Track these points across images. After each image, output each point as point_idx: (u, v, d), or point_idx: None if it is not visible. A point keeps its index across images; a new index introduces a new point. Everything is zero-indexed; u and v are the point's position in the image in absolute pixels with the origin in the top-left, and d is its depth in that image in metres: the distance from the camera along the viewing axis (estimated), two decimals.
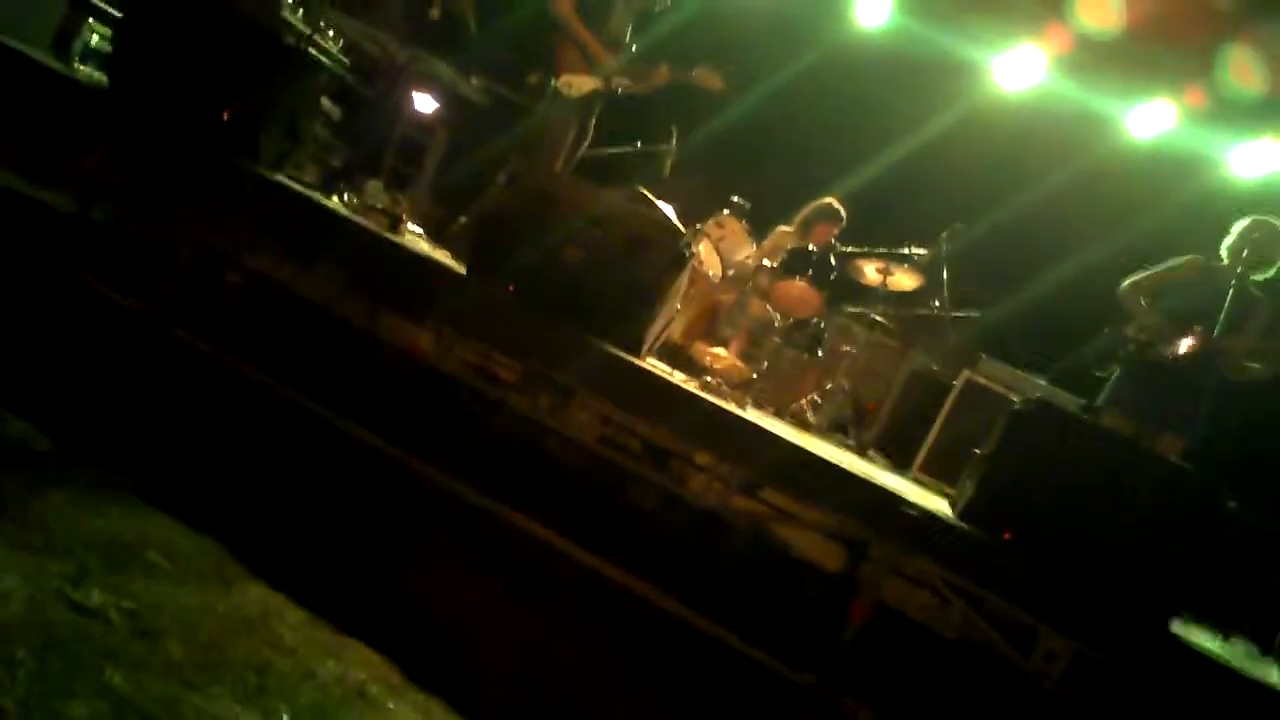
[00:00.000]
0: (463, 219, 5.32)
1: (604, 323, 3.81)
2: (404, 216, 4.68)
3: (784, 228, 5.98)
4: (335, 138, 5.82)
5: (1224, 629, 4.29)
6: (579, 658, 3.07)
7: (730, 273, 5.57)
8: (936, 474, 5.02)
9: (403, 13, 6.15)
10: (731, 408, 3.83)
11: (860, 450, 5.19)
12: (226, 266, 4.08)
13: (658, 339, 4.34)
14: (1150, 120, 6.55)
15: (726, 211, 5.61)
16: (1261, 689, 3.22)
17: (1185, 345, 4.35)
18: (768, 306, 5.52)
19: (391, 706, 2.36)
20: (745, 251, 5.63)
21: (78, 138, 4.20)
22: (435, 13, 6.33)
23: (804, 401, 5.38)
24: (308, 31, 5.57)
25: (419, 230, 4.97)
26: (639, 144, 5.68)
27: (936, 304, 5.70)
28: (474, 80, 6.28)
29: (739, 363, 5.12)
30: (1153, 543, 3.33)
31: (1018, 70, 6.74)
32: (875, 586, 3.41)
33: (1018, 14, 6.60)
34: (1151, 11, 5.98)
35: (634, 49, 5.41)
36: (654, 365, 4.15)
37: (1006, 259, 6.94)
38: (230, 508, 2.94)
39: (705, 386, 4.21)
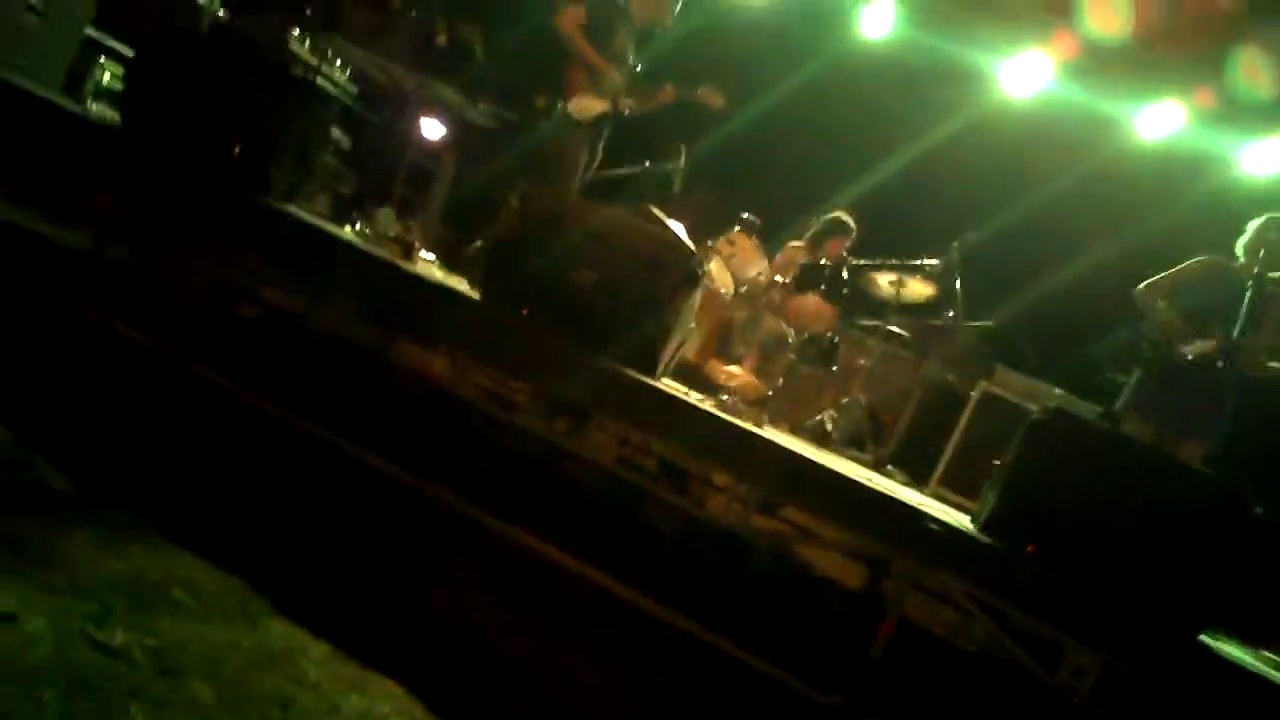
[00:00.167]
0: (478, 243, 5.34)
1: (618, 344, 3.81)
2: (416, 244, 4.70)
3: (795, 243, 5.98)
4: (345, 166, 5.86)
5: (1254, 641, 4.23)
6: (603, 683, 3.05)
7: (743, 290, 5.57)
8: (955, 487, 4.99)
9: (409, 40, 6.20)
10: (748, 426, 3.82)
11: (878, 465, 5.16)
12: (240, 300, 4.11)
13: (672, 358, 4.33)
14: (1159, 121, 6.53)
15: (737, 228, 5.61)
16: None
17: (1204, 345, 4.33)
18: (781, 322, 5.51)
19: None
20: (757, 268, 5.63)
21: (91, 176, 4.25)
22: (441, 39, 6.39)
23: (820, 417, 5.36)
24: (315, 62, 5.62)
25: (431, 257, 4.99)
26: (648, 163, 5.69)
27: (950, 314, 5.68)
28: (481, 105, 6.32)
29: (754, 380, 5.11)
30: (1178, 551, 3.29)
31: (1024, 76, 6.74)
32: (898, 603, 3.39)
33: (1022, 21, 6.60)
34: (1158, 15, 5.97)
35: (638, 68, 5.43)
36: (669, 385, 4.14)
37: (1018, 264, 6.91)
38: (252, 543, 2.94)
39: (721, 405, 4.20)
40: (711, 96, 5.26)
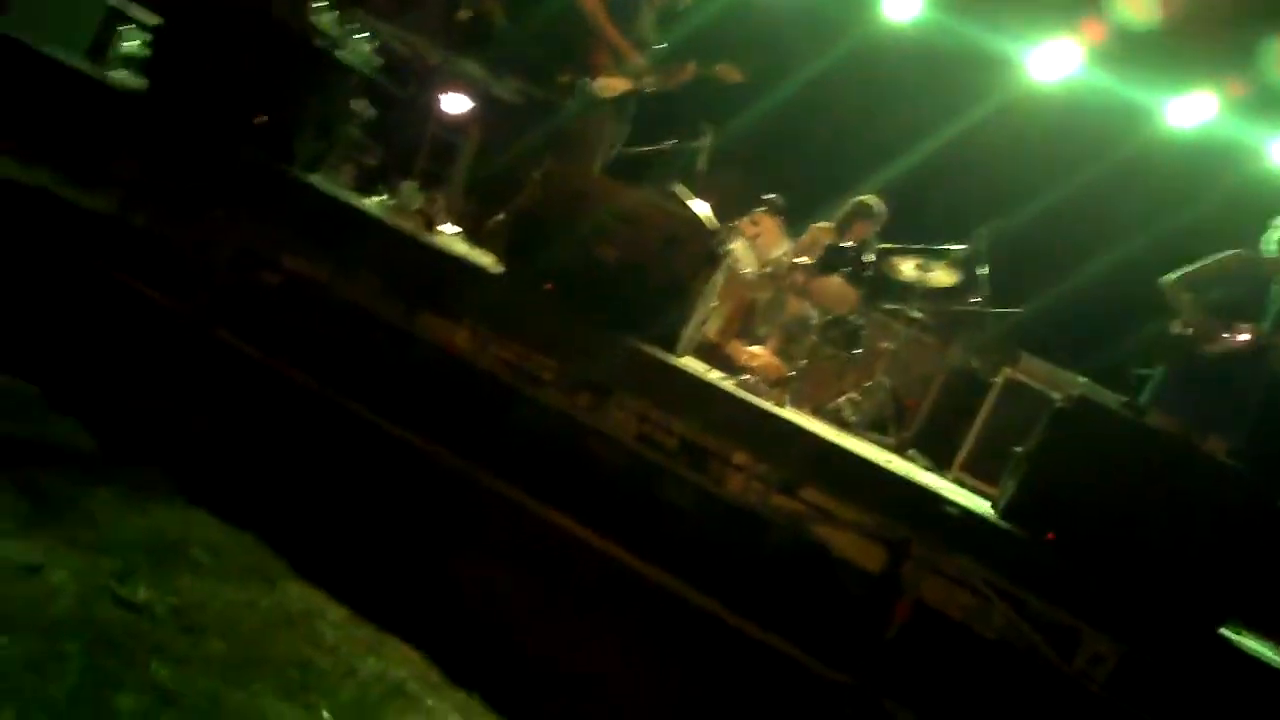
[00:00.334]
0: (500, 216, 5.33)
1: (640, 321, 3.81)
2: (439, 217, 4.69)
3: (822, 224, 5.94)
4: (369, 138, 5.85)
5: (1275, 635, 4.19)
6: (618, 656, 3.06)
7: (766, 270, 5.54)
8: (977, 473, 4.96)
9: (434, 15, 6.17)
10: (769, 406, 3.81)
11: (900, 449, 5.13)
12: (264, 267, 4.11)
13: (694, 337, 4.32)
14: (1190, 111, 6.43)
15: (761, 208, 5.57)
16: None
17: (1231, 340, 4.28)
18: (805, 304, 5.47)
19: (431, 704, 2.36)
20: (781, 248, 5.59)
21: (116, 142, 4.26)
22: (465, 13, 6.36)
23: (842, 399, 5.33)
24: (338, 34, 5.60)
25: (454, 230, 4.98)
26: (673, 141, 5.66)
27: (976, 300, 5.63)
28: (505, 80, 6.29)
29: (776, 360, 5.07)
30: (1200, 543, 3.26)
31: (1052, 62, 6.65)
32: (915, 586, 3.38)
33: (1051, 6, 6.52)
34: (1189, 2, 5.88)
35: (660, 47, 5.40)
36: (690, 364, 4.13)
37: (1044, 252, 6.84)
38: (271, 506, 2.96)
39: (742, 385, 4.18)
40: (730, 72, 5.22)
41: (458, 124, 6.17)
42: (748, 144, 6.67)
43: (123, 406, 3.20)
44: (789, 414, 3.98)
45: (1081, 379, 5.27)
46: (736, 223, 5.41)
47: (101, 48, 5.24)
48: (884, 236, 5.84)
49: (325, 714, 2.14)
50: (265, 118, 4.23)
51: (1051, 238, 6.78)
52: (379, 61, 6.05)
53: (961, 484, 4.79)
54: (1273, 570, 3.36)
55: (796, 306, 5.50)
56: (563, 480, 3.65)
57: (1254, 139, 6.29)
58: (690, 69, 5.31)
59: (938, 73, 6.97)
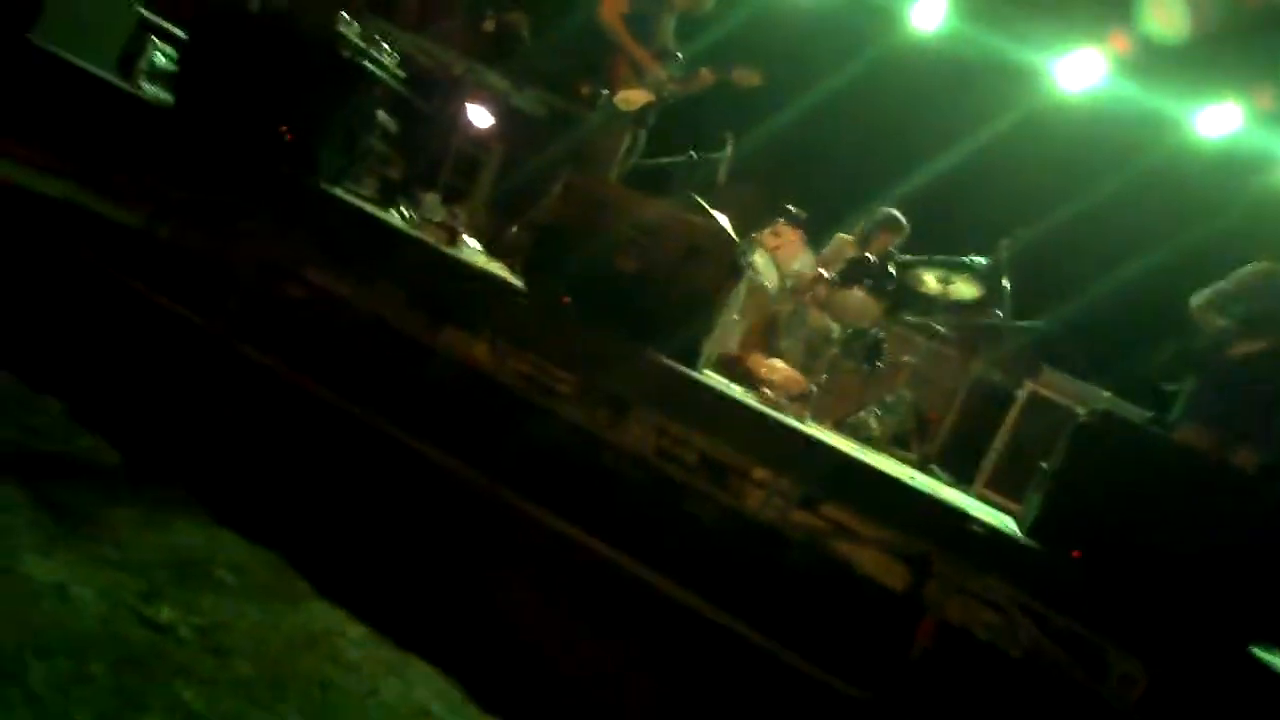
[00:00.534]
0: (514, 229, 5.34)
1: (660, 334, 3.79)
2: (461, 230, 4.71)
3: (844, 236, 5.91)
4: (392, 150, 5.88)
5: None
6: (634, 671, 3.05)
7: (788, 283, 5.52)
8: (1000, 488, 4.92)
9: (458, 26, 6.20)
10: (790, 420, 3.79)
11: (922, 464, 5.10)
12: (287, 280, 4.13)
13: (714, 351, 4.30)
14: (1215, 121, 6.37)
15: (782, 220, 5.56)
16: None
17: (1256, 349, 4.24)
18: (826, 317, 5.45)
19: None
20: (802, 261, 5.57)
21: (144, 156, 4.29)
22: (489, 25, 6.38)
23: (864, 414, 5.30)
24: (363, 45, 5.63)
25: (476, 244, 5.00)
26: (694, 153, 5.66)
27: (998, 313, 5.59)
28: (528, 92, 6.31)
29: (797, 374, 5.06)
30: (1230, 560, 3.22)
31: (1078, 73, 6.61)
32: (939, 605, 3.34)
33: (1076, 16, 6.48)
34: (1216, 13, 5.83)
35: (680, 57, 5.40)
36: (711, 377, 4.11)
37: (1067, 263, 6.79)
38: (293, 523, 2.96)
39: (763, 399, 4.17)
40: (747, 76, 5.22)
41: (481, 138, 6.20)
42: (771, 155, 6.68)
43: (146, 422, 3.22)
44: (810, 428, 3.95)
45: (1105, 393, 5.23)
46: (757, 235, 5.39)
47: (130, 60, 5.30)
48: (907, 247, 5.81)
49: None
50: (290, 131, 4.25)
51: (1075, 249, 6.74)
52: (404, 74, 6.09)
53: (985, 500, 4.76)
54: None
55: (818, 319, 5.47)
56: (581, 496, 3.64)
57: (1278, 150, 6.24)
58: (707, 75, 5.31)
59: (963, 83, 6.94)
